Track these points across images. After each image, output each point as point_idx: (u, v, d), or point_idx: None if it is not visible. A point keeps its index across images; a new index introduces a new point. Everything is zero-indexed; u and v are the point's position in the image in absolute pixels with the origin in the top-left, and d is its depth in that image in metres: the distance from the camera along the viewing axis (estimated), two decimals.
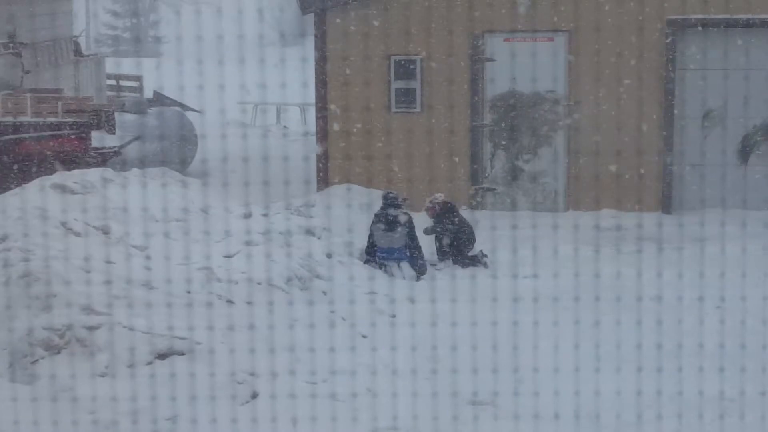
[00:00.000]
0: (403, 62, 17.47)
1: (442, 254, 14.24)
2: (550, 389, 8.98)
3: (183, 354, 9.67)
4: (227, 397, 9.18)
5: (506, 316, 9.74)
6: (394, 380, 9.72)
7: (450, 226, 14.26)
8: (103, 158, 17.17)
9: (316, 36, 17.67)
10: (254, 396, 9.44)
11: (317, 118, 17.87)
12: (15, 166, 16.42)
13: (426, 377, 9.77)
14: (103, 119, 17.39)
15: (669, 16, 16.98)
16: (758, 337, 9.87)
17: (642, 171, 16.96)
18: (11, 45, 21.13)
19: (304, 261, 12.28)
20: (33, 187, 12.54)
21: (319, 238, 13.49)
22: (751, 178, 17.01)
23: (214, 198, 13.83)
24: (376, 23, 17.23)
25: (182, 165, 20.31)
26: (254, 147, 20.71)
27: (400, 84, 17.53)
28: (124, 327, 9.75)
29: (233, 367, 9.51)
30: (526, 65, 17.01)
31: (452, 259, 14.17)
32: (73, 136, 16.86)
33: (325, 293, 11.87)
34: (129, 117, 19.95)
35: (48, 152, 16.61)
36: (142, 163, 17.50)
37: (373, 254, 13.76)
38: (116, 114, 18.21)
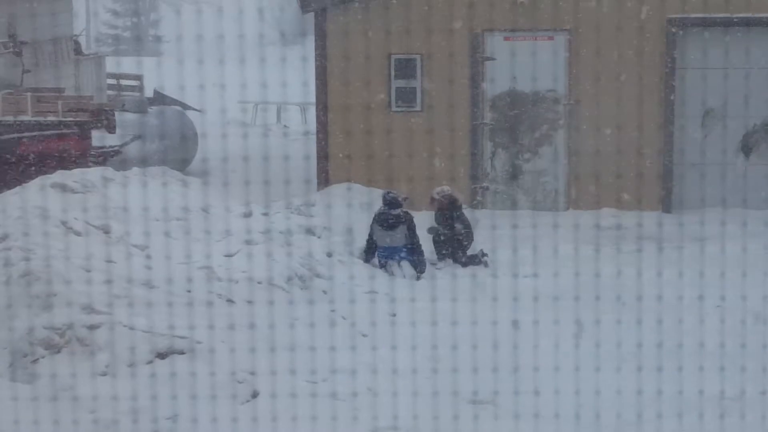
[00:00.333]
0: (403, 61, 17.47)
1: (440, 251, 14.21)
2: (550, 388, 8.98)
3: (183, 353, 9.67)
4: (227, 397, 9.18)
5: (506, 316, 9.75)
6: (394, 379, 9.72)
7: (452, 222, 14.23)
8: (103, 157, 17.18)
9: (316, 35, 17.67)
10: (255, 395, 9.45)
11: (317, 117, 17.88)
12: (15, 166, 16.42)
13: (426, 376, 9.77)
14: (104, 118, 17.40)
15: (669, 15, 16.98)
16: (758, 336, 9.88)
17: (642, 170, 16.96)
18: (11, 44, 21.13)
19: (305, 260, 12.29)
20: (33, 186, 12.54)
21: (319, 238, 13.49)
22: (751, 177, 17.01)
23: (214, 197, 13.83)
24: (376, 22, 17.23)
25: (183, 164, 20.32)
26: (254, 146, 20.71)
27: (401, 83, 17.53)
28: (125, 326, 9.76)
29: (233, 367, 9.51)
30: (526, 64, 17.01)
31: (452, 258, 14.17)
32: (73, 136, 16.87)
33: (325, 292, 11.87)
34: (129, 116, 19.95)
35: (48, 151, 16.61)
36: (143, 162, 17.50)
37: (373, 253, 13.76)
38: (117, 113, 18.21)
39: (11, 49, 21.04)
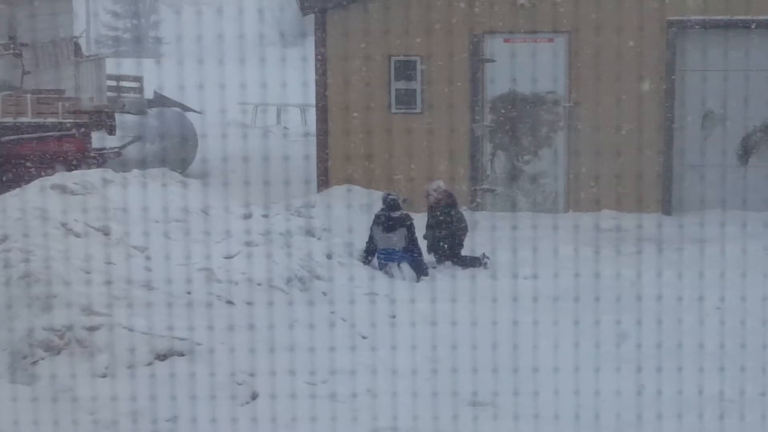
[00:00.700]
0: (403, 63, 17.48)
1: (438, 253, 14.16)
2: (549, 389, 8.98)
3: (183, 355, 9.67)
4: (227, 398, 9.19)
5: (506, 317, 9.74)
6: (394, 381, 9.72)
7: (449, 219, 14.17)
8: (103, 159, 17.18)
9: (316, 37, 17.68)
10: (254, 397, 9.45)
11: (317, 118, 17.88)
12: (15, 167, 16.42)
13: (426, 378, 9.77)
14: (104, 120, 17.40)
15: (669, 17, 16.99)
16: (758, 337, 9.88)
17: (642, 172, 16.96)
18: (12, 45, 21.13)
19: (305, 262, 12.29)
20: (33, 187, 12.54)
21: (319, 239, 13.49)
22: (751, 179, 17.01)
23: (214, 199, 13.83)
24: (376, 24, 17.24)
25: (182, 165, 20.32)
26: (254, 147, 20.72)
27: (401, 84, 17.54)
28: (124, 328, 9.76)
29: (233, 368, 9.52)
30: (526, 66, 17.01)
31: (452, 259, 14.15)
32: (73, 137, 16.87)
33: (325, 294, 11.87)
34: (129, 117, 19.95)
35: (48, 153, 16.61)
36: (143, 163, 17.51)
37: (373, 255, 13.76)
38: (116, 114, 18.21)
39: (11, 51, 21.04)
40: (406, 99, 17.55)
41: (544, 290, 10.93)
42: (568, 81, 17.31)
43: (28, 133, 16.85)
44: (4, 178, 16.08)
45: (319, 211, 15.27)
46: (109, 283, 10.38)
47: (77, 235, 11.54)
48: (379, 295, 12.13)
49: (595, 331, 9.43)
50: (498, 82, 17.39)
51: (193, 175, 18.73)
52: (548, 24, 16.99)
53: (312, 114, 21.97)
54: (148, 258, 11.43)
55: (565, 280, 10.76)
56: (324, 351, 9.69)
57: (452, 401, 9.31)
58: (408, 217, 13.82)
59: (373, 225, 13.87)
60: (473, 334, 9.54)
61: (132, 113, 20.30)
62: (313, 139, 19.19)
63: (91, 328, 9.73)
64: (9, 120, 17.04)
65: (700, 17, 16.82)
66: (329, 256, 12.86)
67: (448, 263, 14.13)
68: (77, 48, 26.03)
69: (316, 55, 17.68)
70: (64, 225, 11.59)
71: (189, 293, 10.72)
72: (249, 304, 10.79)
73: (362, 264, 13.57)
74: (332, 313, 11.32)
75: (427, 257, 14.02)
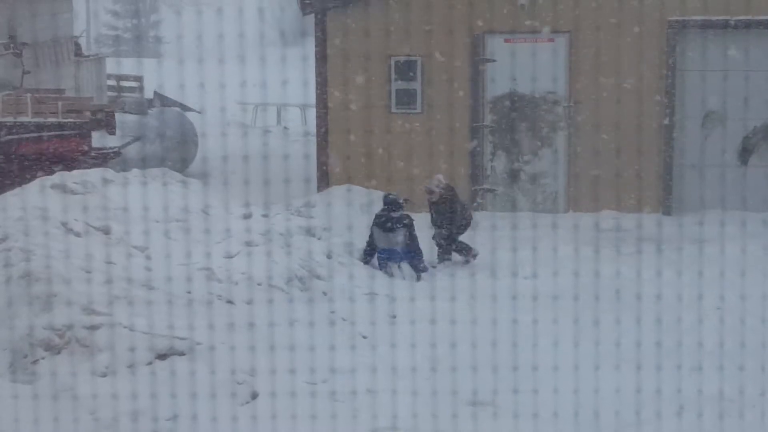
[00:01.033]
0: (403, 63, 17.48)
1: (443, 253, 14.18)
2: (549, 388, 8.99)
3: (183, 354, 9.68)
4: (227, 397, 9.19)
5: (506, 317, 9.75)
6: (393, 380, 9.73)
7: (453, 215, 14.17)
8: (103, 158, 17.18)
9: (316, 37, 17.68)
10: (254, 396, 9.45)
11: (317, 118, 17.88)
12: (15, 167, 16.42)
13: (426, 377, 9.78)
14: (104, 120, 17.40)
15: (669, 17, 16.98)
16: (758, 337, 9.88)
17: (642, 172, 16.96)
18: (12, 45, 21.13)
19: (305, 261, 12.29)
20: (33, 187, 12.55)
21: (319, 239, 13.50)
22: (751, 179, 17.01)
23: (214, 198, 13.84)
24: (376, 24, 17.24)
25: (182, 165, 20.32)
26: (254, 147, 20.72)
27: (401, 84, 17.54)
28: (125, 327, 9.76)
29: (233, 367, 9.52)
30: (526, 66, 17.02)
31: (457, 250, 14.11)
32: (73, 137, 16.87)
33: (325, 293, 11.88)
34: (129, 117, 19.97)
35: (48, 153, 16.62)
36: (143, 163, 17.52)
37: (373, 254, 13.77)
38: (117, 114, 18.21)
39: (11, 50, 21.04)
40: (407, 99, 17.55)
41: (543, 290, 10.94)
42: (568, 81, 17.30)
43: (28, 133, 16.85)
44: (5, 178, 16.08)
45: (319, 211, 15.27)
46: (109, 282, 10.39)
47: (77, 235, 11.55)
48: (379, 295, 12.13)
49: (594, 331, 9.42)
50: (498, 82, 17.39)
51: (193, 174, 18.73)
52: (549, 24, 16.99)
53: (312, 114, 21.97)
54: (148, 257, 11.44)
55: (564, 279, 10.76)
56: (324, 350, 9.70)
57: (452, 400, 9.31)
58: (408, 217, 13.82)
59: (373, 225, 13.88)
60: (473, 334, 9.55)
61: (132, 113, 20.31)
62: (313, 139, 19.20)
63: (92, 328, 9.74)
64: (9, 119, 17.04)
65: (700, 17, 16.82)
66: (329, 256, 12.87)
67: (448, 262, 14.13)
68: (77, 47, 26.03)
69: (316, 54, 17.68)
70: (64, 224, 11.60)
71: (189, 293, 10.72)
72: (249, 303, 10.80)
73: (362, 263, 13.58)
74: (332, 312, 11.33)
75: (428, 257, 14.00)
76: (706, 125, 17.23)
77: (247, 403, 9.37)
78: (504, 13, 17.19)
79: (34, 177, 13.53)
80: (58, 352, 9.62)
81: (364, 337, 10.82)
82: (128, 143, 18.46)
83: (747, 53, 16.69)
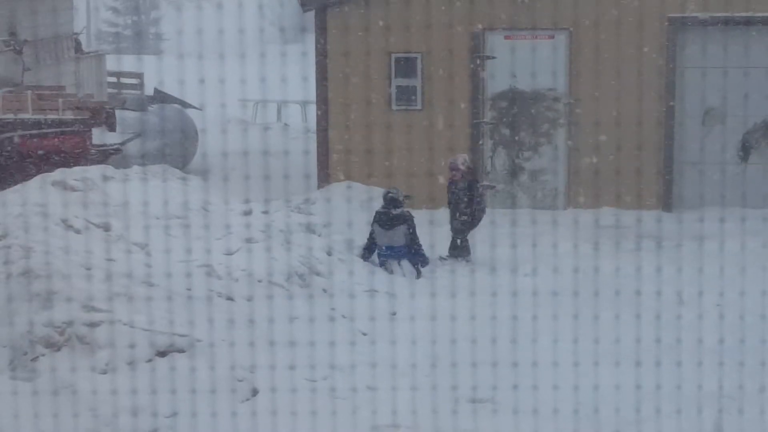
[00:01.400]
0: (403, 59, 17.48)
1: (462, 231, 14.13)
2: (549, 385, 8.99)
3: (183, 351, 9.69)
4: (227, 394, 9.20)
5: (506, 313, 9.75)
6: (394, 377, 9.73)
7: (472, 195, 14.19)
8: (103, 155, 17.19)
9: (316, 33, 17.68)
10: (254, 393, 9.46)
11: (318, 115, 17.89)
12: (16, 163, 16.43)
13: (426, 374, 9.79)
14: (104, 116, 17.40)
15: (669, 13, 16.98)
16: (757, 333, 9.88)
17: (642, 168, 16.96)
18: (12, 42, 21.13)
19: (305, 258, 12.30)
20: (34, 184, 12.56)
21: (319, 236, 13.51)
22: (751, 176, 17.01)
23: (214, 195, 13.85)
24: (376, 20, 17.24)
25: (183, 162, 20.32)
26: (255, 144, 20.71)
27: (401, 81, 17.54)
28: (125, 324, 9.77)
29: (233, 364, 9.52)
30: (526, 63, 17.02)
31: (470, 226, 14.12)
32: (73, 134, 16.88)
33: (325, 290, 11.88)
34: (130, 114, 19.96)
35: (49, 149, 16.62)
36: (143, 160, 17.51)
37: (373, 252, 13.77)
38: (117, 111, 18.21)
39: (12, 47, 21.04)
40: (407, 96, 17.56)
41: (543, 286, 10.94)
42: (568, 78, 17.31)
43: (28, 130, 16.86)
44: (5, 175, 16.08)
45: (319, 208, 15.28)
46: (109, 279, 10.39)
47: (77, 232, 11.55)
48: (379, 292, 12.14)
49: (594, 327, 9.43)
50: (498, 78, 17.39)
51: (193, 171, 18.74)
52: (549, 21, 16.99)
53: (312, 111, 21.98)
54: (148, 254, 11.44)
55: (564, 276, 10.76)
56: (324, 347, 9.70)
57: (452, 397, 9.32)
58: (408, 214, 13.82)
59: (373, 222, 13.88)
60: (473, 330, 9.55)
61: (132, 110, 20.30)
62: (314, 136, 19.20)
63: (92, 325, 9.74)
64: (9, 116, 17.05)
65: (701, 14, 16.82)
66: (329, 253, 12.88)
67: (460, 260, 14.11)
68: (78, 44, 26.03)
69: (316, 51, 17.68)
70: (64, 221, 11.60)
71: (189, 289, 10.73)
72: (249, 300, 10.81)
73: (362, 260, 13.58)
74: (332, 309, 11.33)
75: (430, 253, 13.98)
76: (707, 122, 17.24)
77: (247, 400, 9.37)
78: (504, 10, 17.19)
79: (34, 174, 13.54)
80: (58, 349, 9.62)
81: (364, 334, 10.83)
82: (128, 140, 18.46)
83: (747, 50, 16.69)
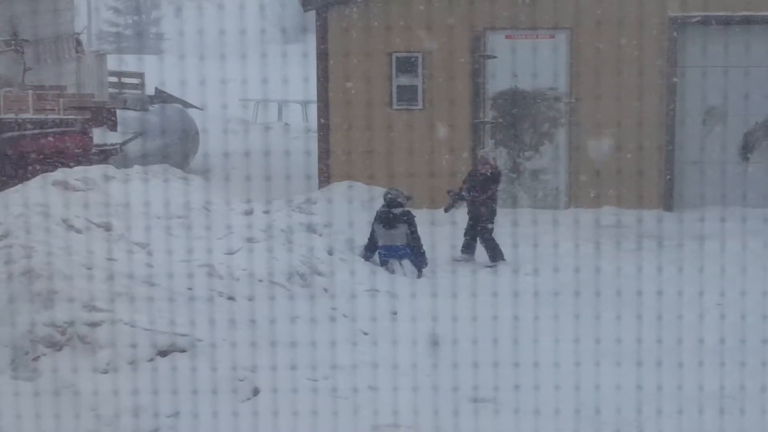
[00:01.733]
0: (404, 59, 17.48)
1: (487, 230, 14.19)
2: (550, 385, 8.99)
3: (184, 351, 9.69)
4: (228, 394, 9.20)
5: (507, 313, 9.75)
6: (395, 376, 9.73)
7: (493, 195, 14.34)
8: (104, 155, 17.18)
9: (317, 33, 17.69)
10: (255, 393, 9.46)
11: (319, 114, 17.89)
12: (17, 163, 16.43)
13: (427, 374, 9.79)
14: (105, 116, 17.40)
15: (670, 13, 16.99)
16: (758, 333, 9.88)
17: (643, 168, 16.96)
18: (13, 42, 21.13)
19: (306, 258, 12.30)
20: (35, 183, 12.55)
21: (320, 235, 13.51)
22: (752, 176, 17.01)
23: (215, 195, 13.84)
24: (377, 20, 17.24)
25: (184, 162, 20.32)
26: (256, 144, 20.72)
27: (402, 81, 17.54)
28: (126, 324, 9.77)
29: (234, 364, 9.53)
30: (527, 62, 17.02)
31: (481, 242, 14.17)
32: (74, 133, 16.87)
33: (326, 290, 11.88)
34: (130, 114, 19.95)
35: (50, 149, 16.62)
36: (144, 160, 17.51)
37: (374, 251, 13.77)
38: (118, 111, 18.21)
39: (13, 47, 21.04)
40: (408, 95, 17.56)
41: (544, 286, 10.94)
42: (569, 77, 17.31)
43: (29, 130, 16.85)
44: (6, 174, 16.08)
45: (321, 208, 15.28)
46: (110, 279, 10.39)
47: (79, 231, 11.55)
48: (380, 292, 12.14)
49: (595, 327, 9.43)
50: (499, 78, 17.40)
51: (194, 171, 18.74)
52: (549, 20, 16.99)
53: (313, 110, 21.98)
54: (149, 254, 11.44)
55: (565, 275, 10.77)
56: (325, 347, 9.71)
57: (453, 397, 9.32)
58: (409, 214, 13.82)
59: (374, 221, 13.88)
60: (474, 330, 9.55)
61: (133, 109, 20.30)
62: (315, 136, 19.20)
63: (93, 324, 9.74)
64: (10, 116, 17.04)
65: (702, 13, 16.82)
66: (330, 252, 12.88)
67: (471, 256, 14.15)
68: (78, 44, 26.04)
69: (317, 51, 17.69)
70: (65, 221, 11.60)
71: (190, 289, 10.73)
72: (250, 300, 10.81)
73: (363, 260, 13.58)
74: (333, 309, 11.33)
75: (431, 255, 13.98)
76: (708, 121, 17.23)
77: (249, 399, 9.37)
78: (505, 10, 17.19)
79: (35, 174, 13.53)
80: (60, 349, 9.62)
81: (365, 334, 10.83)
82: (129, 140, 18.46)
83: (748, 49, 16.68)
